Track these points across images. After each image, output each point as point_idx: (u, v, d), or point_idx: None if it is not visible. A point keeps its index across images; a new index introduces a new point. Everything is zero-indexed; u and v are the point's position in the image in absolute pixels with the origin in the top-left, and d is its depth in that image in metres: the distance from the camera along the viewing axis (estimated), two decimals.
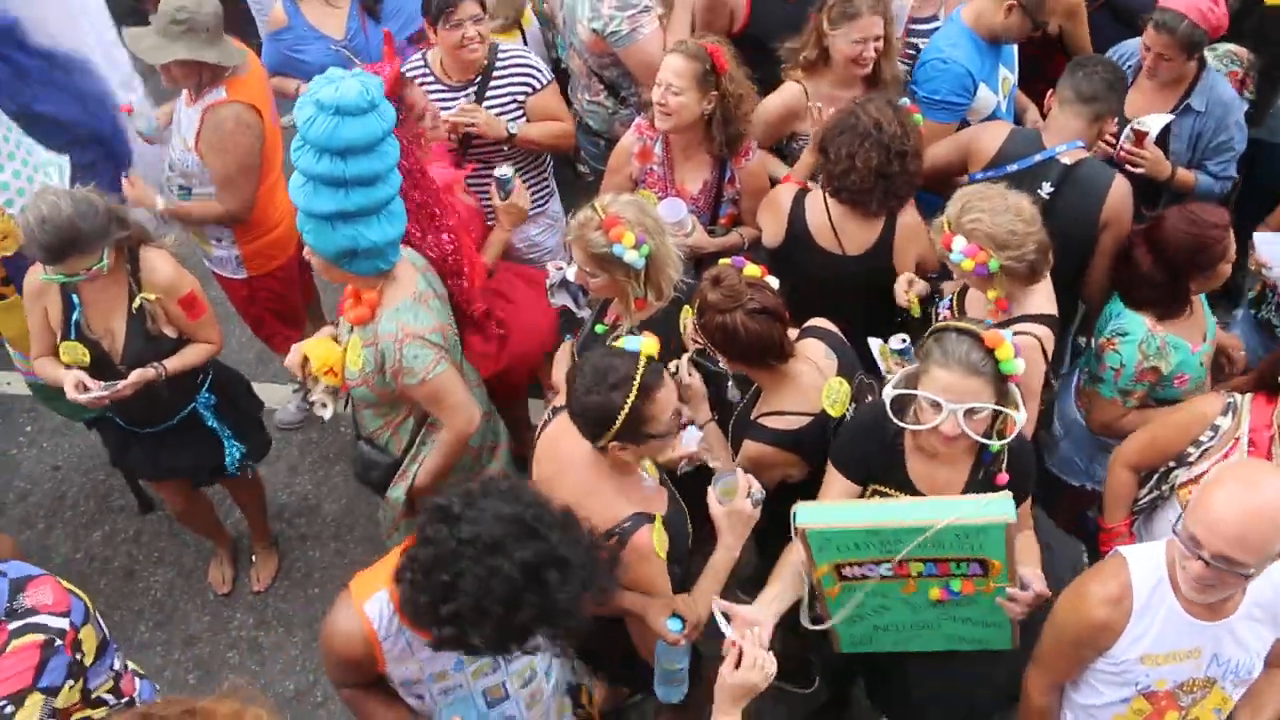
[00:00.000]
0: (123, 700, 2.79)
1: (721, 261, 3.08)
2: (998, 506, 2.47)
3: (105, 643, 2.71)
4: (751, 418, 3.08)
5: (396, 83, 3.36)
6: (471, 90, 4.11)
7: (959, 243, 3.06)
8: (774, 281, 3.02)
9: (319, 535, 4.66)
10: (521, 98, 4.13)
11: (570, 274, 3.34)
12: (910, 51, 4.41)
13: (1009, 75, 4.24)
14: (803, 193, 3.68)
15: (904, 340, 3.34)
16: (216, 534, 4.47)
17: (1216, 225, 3.28)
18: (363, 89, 2.88)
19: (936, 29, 4.36)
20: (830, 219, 3.58)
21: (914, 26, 4.43)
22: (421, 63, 4.16)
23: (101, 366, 3.55)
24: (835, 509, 2.71)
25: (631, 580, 2.71)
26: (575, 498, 2.47)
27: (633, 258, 3.09)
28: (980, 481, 2.74)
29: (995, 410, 2.59)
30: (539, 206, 4.36)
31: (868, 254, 3.59)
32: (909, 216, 3.59)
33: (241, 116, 3.98)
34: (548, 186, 4.52)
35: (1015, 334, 2.94)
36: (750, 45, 4.30)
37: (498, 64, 4.09)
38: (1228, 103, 3.97)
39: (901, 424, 2.68)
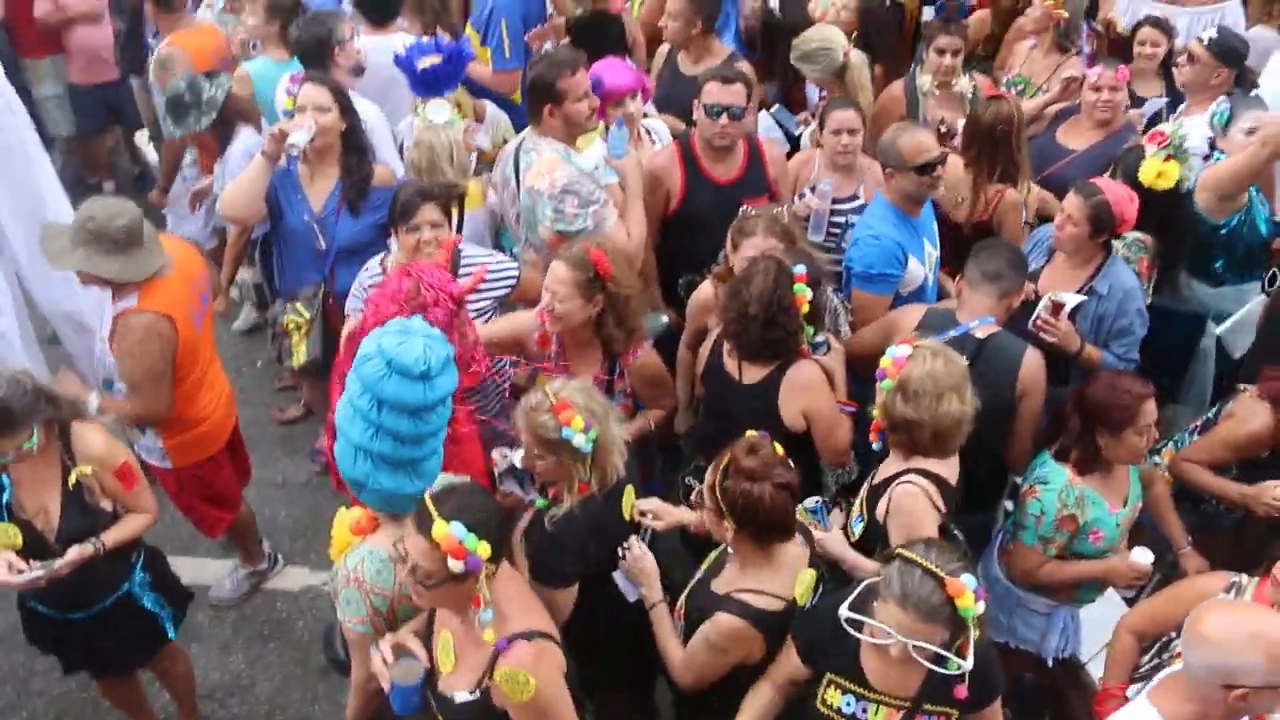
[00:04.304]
0: None
1: (752, 433, 3.14)
2: None
3: None
4: (725, 592, 3.09)
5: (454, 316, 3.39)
6: None
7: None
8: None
9: (251, 715, 4.52)
10: (489, 301, 4.18)
11: (517, 459, 3.38)
12: (834, 230, 4.67)
13: (933, 250, 4.45)
14: None
15: (817, 501, 3.43)
16: (143, 715, 4.32)
17: (1131, 392, 3.47)
18: (423, 357, 2.83)
19: (857, 207, 4.63)
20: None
21: (837, 206, 4.68)
22: (380, 270, 4.18)
23: (34, 547, 3.48)
24: None
25: None
26: None
27: (581, 442, 3.15)
28: (936, 687, 2.76)
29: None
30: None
31: (757, 387, 3.74)
32: (802, 372, 3.71)
33: (152, 326, 3.93)
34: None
35: (902, 483, 3.13)
36: (684, 225, 4.57)
37: (460, 267, 4.11)
38: (1129, 289, 4.18)
39: (856, 634, 2.74)
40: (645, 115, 4.94)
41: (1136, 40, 5.58)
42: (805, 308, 3.63)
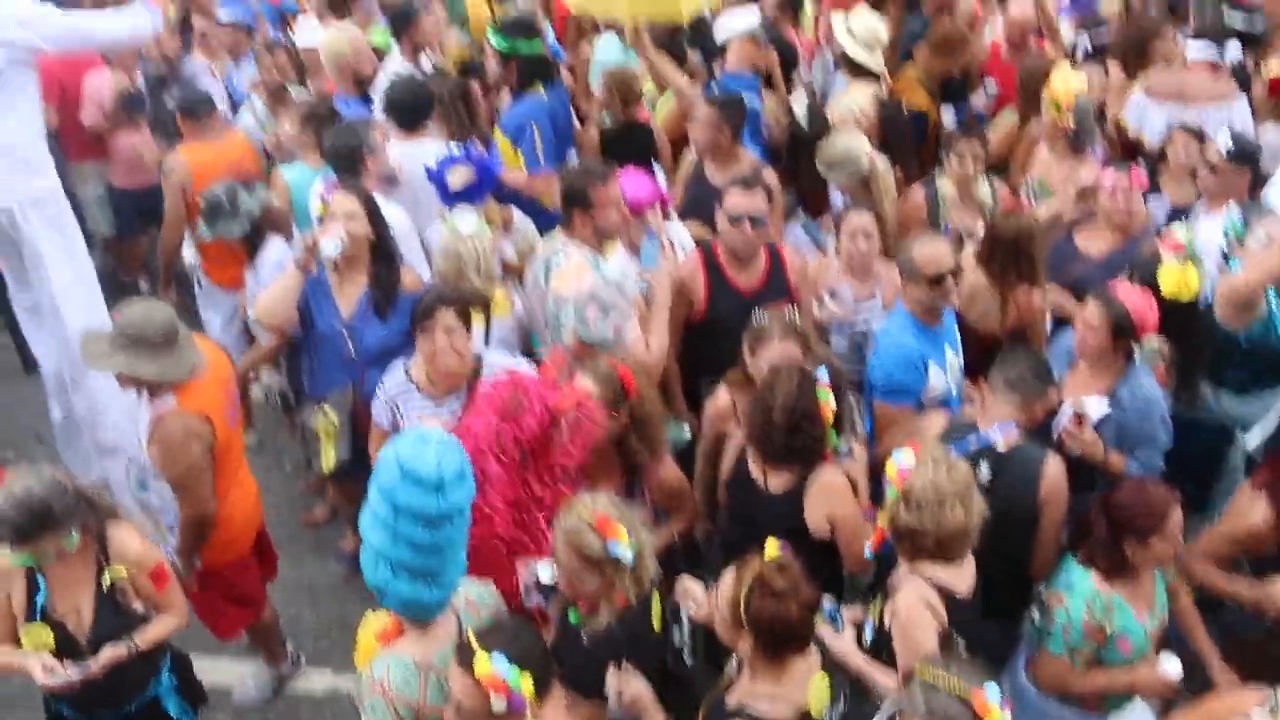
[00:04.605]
0: None
1: (774, 542, 3.13)
2: None
3: None
4: (736, 704, 3.04)
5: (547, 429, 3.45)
6: (456, 403, 4.15)
7: None
8: None
9: None
10: None
11: (546, 575, 3.37)
12: (856, 335, 4.74)
13: (954, 358, 4.48)
14: None
15: (832, 603, 3.44)
16: None
17: (1158, 499, 3.47)
18: (436, 467, 2.82)
19: (875, 310, 4.72)
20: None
21: (860, 309, 4.73)
22: (404, 376, 4.25)
23: (65, 648, 3.52)
24: None
25: None
26: None
27: (627, 555, 3.16)
28: None
29: None
30: None
31: (782, 493, 3.75)
32: (827, 478, 3.74)
33: (191, 427, 4.02)
34: None
35: (903, 590, 3.17)
36: (707, 331, 4.63)
37: (484, 373, 4.14)
38: (1151, 398, 4.18)
39: None
40: (666, 219, 5.02)
41: (1169, 145, 5.61)
42: (829, 414, 3.67)
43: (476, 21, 7.73)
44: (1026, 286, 4.66)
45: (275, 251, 5.22)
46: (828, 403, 3.66)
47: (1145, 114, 6.15)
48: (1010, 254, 4.66)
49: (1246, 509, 3.85)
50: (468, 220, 4.56)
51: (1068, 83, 5.59)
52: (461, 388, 4.16)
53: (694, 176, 5.61)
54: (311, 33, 7.12)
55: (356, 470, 4.34)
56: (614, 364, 3.81)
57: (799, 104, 5.61)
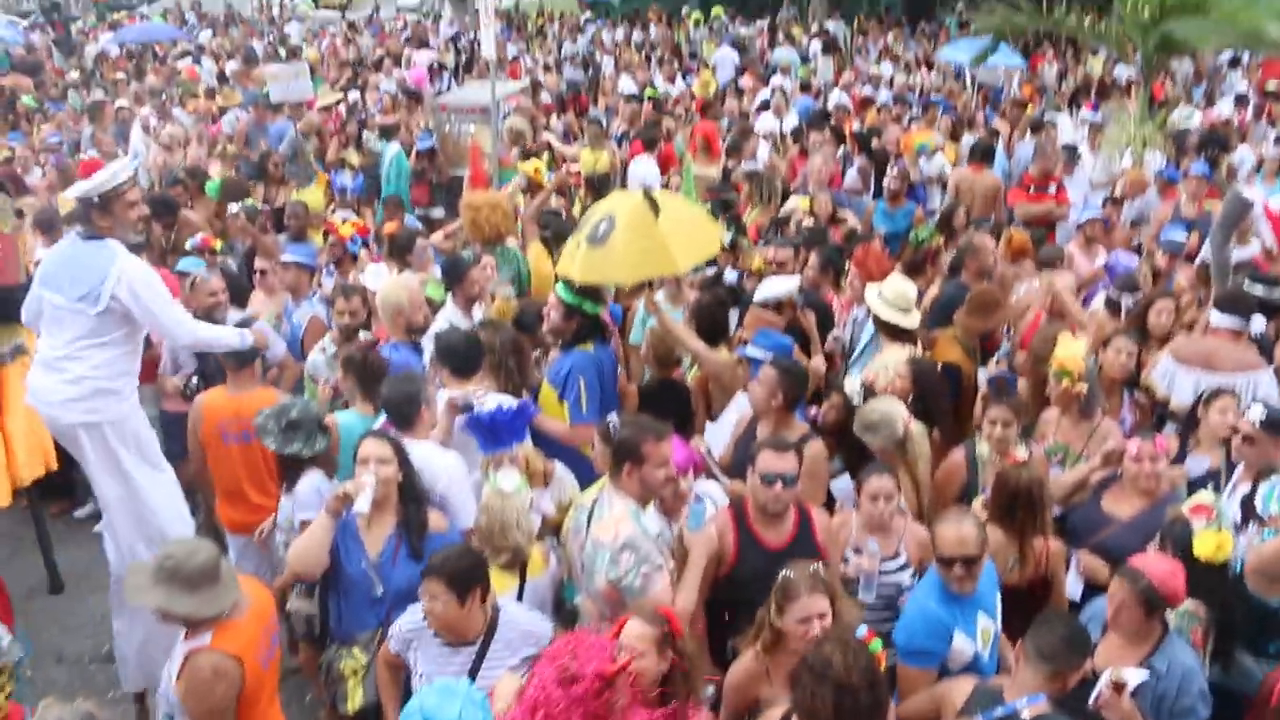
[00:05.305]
0: None
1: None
2: None
3: None
4: None
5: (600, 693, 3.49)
6: (472, 651, 4.23)
7: None
8: None
9: None
10: (517, 659, 4.26)
11: None
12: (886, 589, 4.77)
13: (989, 624, 4.46)
14: None
15: None
16: None
17: None
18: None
19: (900, 566, 4.78)
20: None
21: (884, 567, 4.79)
22: (421, 618, 4.30)
23: None
24: None
25: None
26: None
27: None
28: None
29: None
30: None
31: None
32: None
33: (220, 667, 4.05)
34: None
35: None
36: (734, 587, 4.68)
37: (500, 625, 4.26)
38: (1189, 669, 4.16)
39: None
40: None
41: (1206, 409, 5.68)
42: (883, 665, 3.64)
43: (539, 275, 8.11)
44: (1042, 538, 4.77)
45: (313, 480, 5.34)
46: (882, 654, 3.64)
47: (1174, 379, 6.31)
48: (1024, 505, 4.79)
49: None
50: (510, 478, 4.69)
51: (1074, 350, 5.80)
52: (474, 640, 4.23)
53: (745, 435, 5.73)
54: (378, 277, 7.49)
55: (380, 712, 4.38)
56: (658, 606, 3.87)
57: (853, 384, 5.82)
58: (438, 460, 5.08)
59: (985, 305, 6.80)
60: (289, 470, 5.42)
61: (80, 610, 6.96)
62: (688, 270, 6.70)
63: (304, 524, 5.04)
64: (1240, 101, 15.84)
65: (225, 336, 5.93)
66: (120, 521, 5.71)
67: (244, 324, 6.14)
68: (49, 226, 8.40)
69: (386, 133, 12.96)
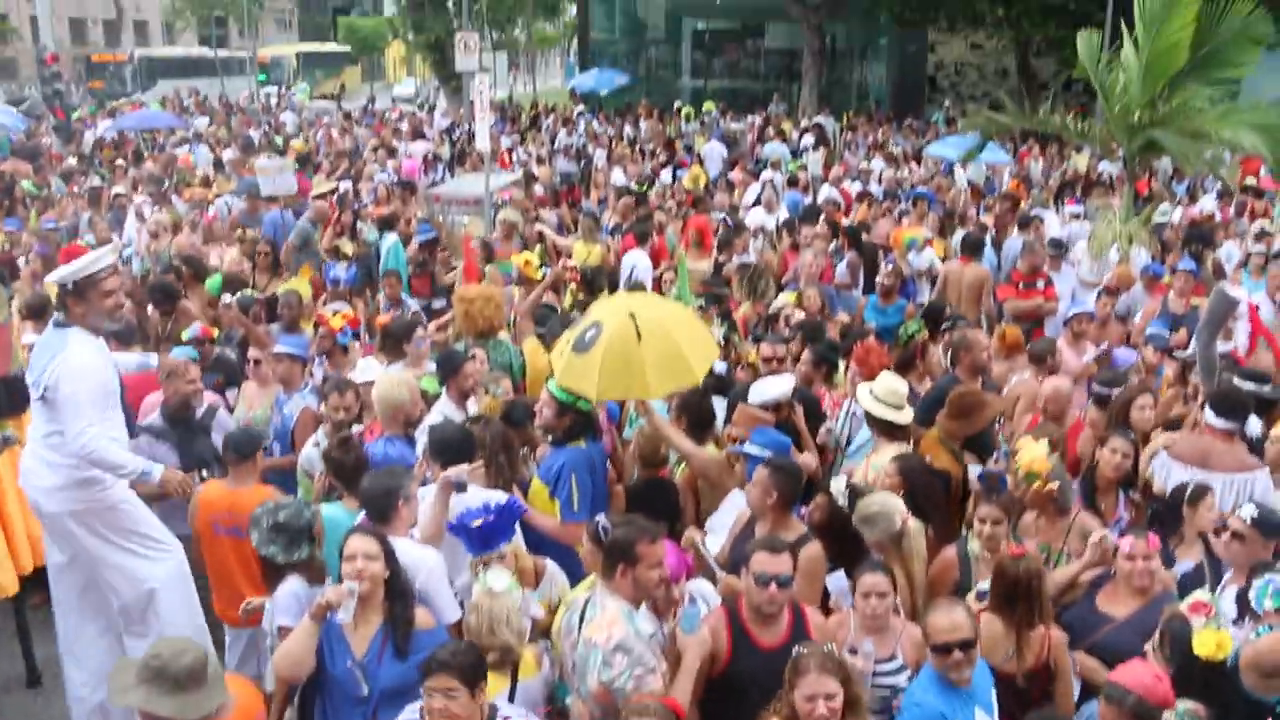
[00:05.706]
0: None
1: None
2: None
3: None
4: None
5: None
6: None
7: None
8: None
9: None
10: None
11: None
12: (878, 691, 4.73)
13: (986, 718, 4.42)
14: None
15: None
16: None
17: None
18: None
19: (896, 668, 4.76)
20: None
21: (876, 668, 4.75)
22: (415, 717, 4.23)
23: None
24: None
25: None
26: None
27: None
28: None
29: None
30: None
31: None
32: None
33: None
34: None
35: None
36: (727, 687, 4.63)
37: None
38: None
39: None
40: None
41: (1199, 504, 5.73)
42: None
43: (535, 369, 8.12)
44: (1043, 628, 4.76)
45: (292, 585, 5.23)
46: None
47: (1170, 474, 6.34)
48: (1025, 593, 4.77)
49: None
50: (500, 578, 4.65)
51: (1037, 452, 5.83)
52: None
53: (743, 533, 5.70)
54: (370, 371, 7.48)
55: None
56: (663, 699, 3.86)
57: (838, 485, 5.82)
58: (415, 554, 5.03)
59: (965, 409, 6.73)
60: (268, 572, 5.36)
61: (57, 705, 6.75)
62: (660, 396, 6.59)
63: (282, 629, 4.96)
64: (1223, 196, 16.15)
65: (126, 463, 5.67)
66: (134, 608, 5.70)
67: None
68: (38, 313, 8.39)
69: (385, 224, 13.08)
